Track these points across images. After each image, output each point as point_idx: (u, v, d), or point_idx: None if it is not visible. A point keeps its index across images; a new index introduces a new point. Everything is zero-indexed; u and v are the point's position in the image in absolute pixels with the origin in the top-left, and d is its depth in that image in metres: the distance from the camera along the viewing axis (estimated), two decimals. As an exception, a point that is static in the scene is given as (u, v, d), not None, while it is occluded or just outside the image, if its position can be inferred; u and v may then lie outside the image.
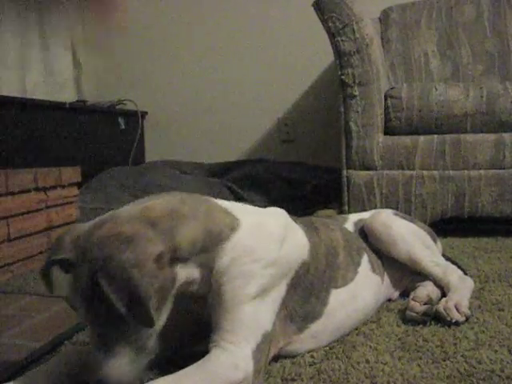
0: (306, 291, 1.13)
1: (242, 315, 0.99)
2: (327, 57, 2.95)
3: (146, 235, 0.89)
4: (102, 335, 0.89)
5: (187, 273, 0.97)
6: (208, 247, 0.99)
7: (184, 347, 1.13)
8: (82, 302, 0.89)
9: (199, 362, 0.94)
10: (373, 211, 1.62)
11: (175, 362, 1.08)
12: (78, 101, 3.74)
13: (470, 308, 1.35)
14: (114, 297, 0.83)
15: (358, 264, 1.33)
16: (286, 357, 1.12)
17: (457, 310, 1.30)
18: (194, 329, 1.11)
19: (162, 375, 0.93)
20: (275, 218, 1.13)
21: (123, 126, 3.65)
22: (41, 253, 2.12)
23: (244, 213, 1.08)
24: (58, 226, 2.24)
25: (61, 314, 1.46)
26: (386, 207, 2.22)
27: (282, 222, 1.13)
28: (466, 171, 2.41)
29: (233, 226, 1.03)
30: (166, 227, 0.93)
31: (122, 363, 0.89)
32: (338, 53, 2.45)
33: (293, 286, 1.09)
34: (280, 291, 1.06)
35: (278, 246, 1.06)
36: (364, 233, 1.49)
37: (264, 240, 1.05)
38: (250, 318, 0.99)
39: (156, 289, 0.86)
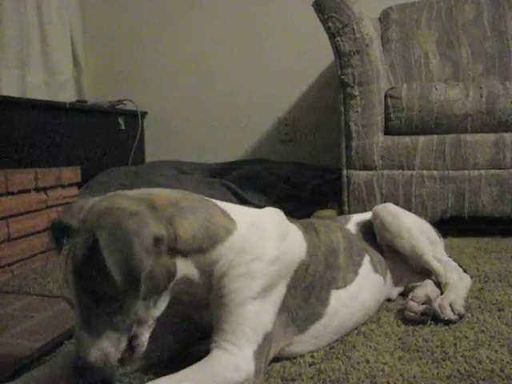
0: (305, 292, 1.13)
1: (243, 316, 0.99)
2: (327, 57, 2.95)
3: (149, 215, 0.90)
4: (87, 316, 0.88)
5: (187, 269, 0.97)
6: (205, 248, 0.99)
7: (184, 348, 1.13)
8: (73, 276, 0.88)
9: (200, 363, 0.94)
10: (379, 205, 1.62)
11: (176, 362, 1.08)
12: (78, 101, 3.74)
13: (467, 307, 1.36)
14: (110, 258, 0.82)
15: (359, 265, 1.33)
16: (286, 357, 1.12)
17: (452, 308, 1.30)
18: (194, 331, 1.11)
19: (164, 375, 0.93)
20: (272, 217, 1.13)
21: (123, 126, 3.65)
22: (41, 253, 2.12)
23: (241, 214, 1.08)
24: (58, 226, 2.24)
25: (61, 314, 1.46)
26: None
27: (279, 222, 1.13)
28: (465, 171, 2.41)
29: (229, 228, 1.03)
30: (168, 215, 0.94)
31: (105, 345, 0.88)
32: (338, 53, 2.45)
33: (292, 287, 1.09)
34: (280, 291, 1.06)
35: (276, 244, 1.07)
36: (367, 231, 1.49)
37: (262, 240, 1.06)
38: (251, 318, 0.99)
39: (148, 271, 0.85)
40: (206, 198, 1.08)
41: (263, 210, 1.17)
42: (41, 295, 1.66)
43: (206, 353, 0.97)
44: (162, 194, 0.99)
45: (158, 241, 0.89)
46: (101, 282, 0.85)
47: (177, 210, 0.96)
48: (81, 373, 0.88)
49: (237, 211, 1.09)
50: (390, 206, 1.53)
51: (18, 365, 1.12)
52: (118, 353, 0.90)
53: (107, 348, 0.88)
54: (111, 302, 0.87)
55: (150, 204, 0.93)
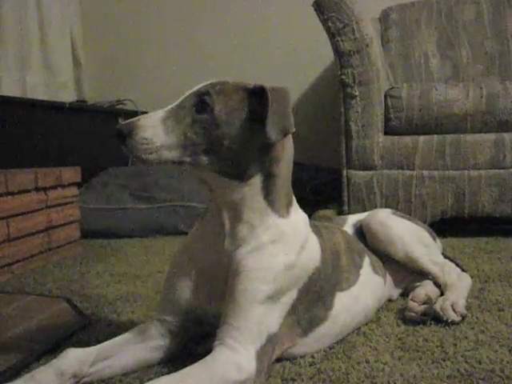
0: (314, 296, 1.13)
1: (252, 315, 0.99)
2: (327, 57, 2.95)
3: None
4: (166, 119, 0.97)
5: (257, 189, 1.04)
6: (272, 201, 1.06)
7: (186, 347, 1.13)
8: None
9: (202, 361, 0.94)
10: (371, 211, 1.62)
11: (177, 362, 1.08)
12: (77, 101, 3.75)
13: (467, 307, 1.36)
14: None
15: (360, 266, 1.33)
16: (286, 357, 1.12)
17: (453, 309, 1.30)
18: (212, 288, 1.09)
19: (167, 373, 0.93)
20: (300, 225, 1.13)
21: (123, 126, 3.64)
22: (41, 253, 2.12)
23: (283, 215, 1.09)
24: (58, 226, 2.24)
25: (61, 314, 1.46)
26: (386, 207, 2.22)
27: (303, 229, 1.13)
28: (465, 171, 2.41)
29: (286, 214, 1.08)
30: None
31: (160, 134, 0.95)
32: (338, 53, 2.45)
33: (304, 292, 1.09)
34: (291, 296, 1.07)
35: (298, 250, 1.07)
36: (362, 233, 1.49)
37: (288, 243, 1.06)
38: (259, 318, 1.00)
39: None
40: None
41: (294, 213, 1.14)
42: (41, 295, 1.66)
43: (208, 353, 0.97)
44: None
45: None
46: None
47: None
48: (124, 134, 0.93)
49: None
50: (379, 214, 1.52)
51: (18, 365, 1.12)
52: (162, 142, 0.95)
53: (161, 136, 0.95)
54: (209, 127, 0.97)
55: None
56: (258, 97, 0.99)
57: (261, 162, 1.01)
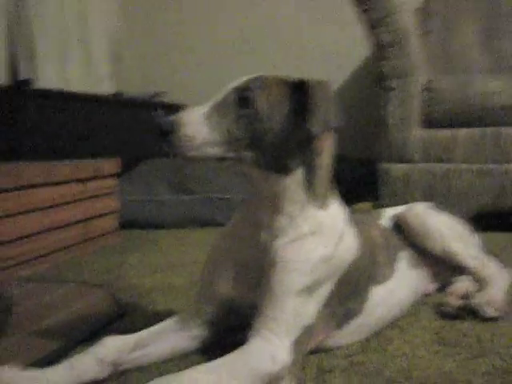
0: (350, 289, 1.13)
1: (288, 306, 1.00)
2: (363, 50, 2.93)
3: None
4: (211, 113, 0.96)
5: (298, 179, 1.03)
6: (315, 192, 1.05)
7: (221, 338, 1.14)
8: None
9: (237, 351, 0.95)
10: (408, 205, 1.60)
11: (211, 352, 1.09)
12: (116, 93, 3.79)
13: (507, 303, 1.33)
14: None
15: (396, 260, 1.32)
16: (322, 349, 1.12)
17: (492, 305, 1.28)
18: (252, 277, 1.10)
19: (203, 362, 0.94)
20: (339, 216, 1.13)
21: (161, 119, 3.67)
22: (79, 242, 2.16)
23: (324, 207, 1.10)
24: (97, 217, 2.28)
25: (99, 303, 1.49)
26: (424, 200, 2.19)
27: (342, 222, 1.13)
28: (505, 165, 2.36)
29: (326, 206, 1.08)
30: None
31: (205, 131, 0.94)
32: (376, 45, 2.43)
33: (340, 284, 1.09)
34: (328, 288, 1.06)
35: (335, 243, 1.07)
36: (399, 227, 1.47)
37: (326, 235, 1.06)
38: (295, 309, 1.00)
39: None
40: None
41: (333, 205, 1.14)
42: (79, 284, 1.69)
43: (243, 343, 0.98)
44: None
45: None
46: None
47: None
48: (167, 131, 0.93)
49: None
50: (417, 207, 1.51)
51: (57, 352, 1.15)
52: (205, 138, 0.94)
53: (205, 132, 0.94)
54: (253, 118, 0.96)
55: None
56: (298, 90, 0.99)
57: (302, 154, 1.01)
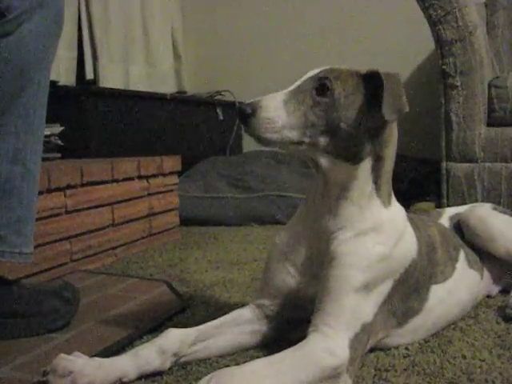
0: (410, 288, 1.13)
1: (347, 302, 1.01)
2: (426, 47, 2.88)
3: None
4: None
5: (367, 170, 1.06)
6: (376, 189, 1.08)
7: (280, 333, 1.16)
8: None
9: (296, 346, 0.96)
10: (470, 205, 1.57)
11: (270, 347, 1.10)
12: (178, 92, 3.86)
13: None
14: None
15: (456, 260, 1.30)
16: (380, 348, 1.12)
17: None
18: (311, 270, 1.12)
19: (262, 357, 0.96)
20: (398, 216, 1.13)
21: (221, 117, 3.72)
22: (143, 238, 2.22)
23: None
24: (159, 213, 2.33)
25: (162, 296, 1.53)
26: (487, 201, 2.14)
27: (401, 221, 1.13)
28: None
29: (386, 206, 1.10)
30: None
31: (280, 113, 0.98)
32: (440, 42, 2.38)
33: (400, 283, 1.09)
34: (387, 286, 1.07)
35: (394, 242, 1.08)
36: (460, 227, 1.45)
37: (386, 234, 1.07)
38: (354, 306, 1.01)
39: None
40: None
41: (395, 204, 1.15)
42: (142, 278, 1.74)
43: (302, 339, 0.99)
44: None
45: None
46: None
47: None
48: (248, 114, 0.97)
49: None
50: (480, 208, 1.49)
51: (122, 341, 1.19)
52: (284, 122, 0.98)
53: (283, 116, 0.98)
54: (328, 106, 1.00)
55: None
56: (370, 81, 1.03)
57: (371, 144, 1.04)
